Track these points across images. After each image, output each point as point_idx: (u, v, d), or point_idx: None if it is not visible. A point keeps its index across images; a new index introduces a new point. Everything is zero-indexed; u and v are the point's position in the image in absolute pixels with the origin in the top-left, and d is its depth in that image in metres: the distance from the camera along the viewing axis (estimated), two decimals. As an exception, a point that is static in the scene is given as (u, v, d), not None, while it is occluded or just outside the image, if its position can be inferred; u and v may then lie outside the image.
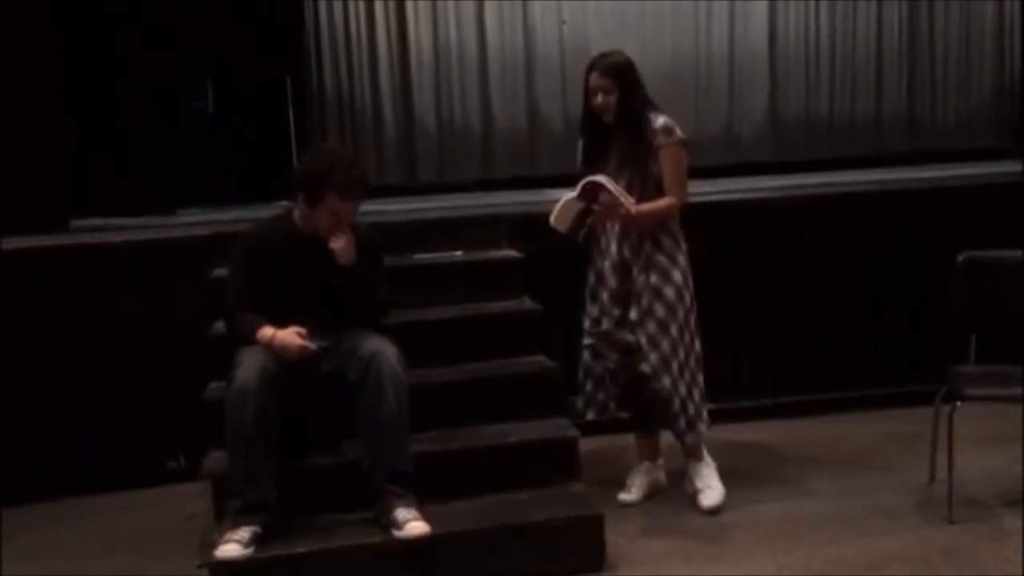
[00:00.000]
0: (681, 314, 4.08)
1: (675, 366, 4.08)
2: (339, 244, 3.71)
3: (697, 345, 4.17)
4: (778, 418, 5.33)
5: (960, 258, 4.30)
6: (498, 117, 7.25)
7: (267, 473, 3.58)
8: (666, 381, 4.07)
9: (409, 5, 7.07)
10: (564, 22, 7.25)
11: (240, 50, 6.45)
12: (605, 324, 4.18)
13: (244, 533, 3.50)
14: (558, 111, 7.25)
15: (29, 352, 4.72)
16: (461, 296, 4.55)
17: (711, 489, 4.19)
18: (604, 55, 4.13)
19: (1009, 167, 6.22)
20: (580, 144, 4.23)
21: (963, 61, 7.77)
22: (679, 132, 4.06)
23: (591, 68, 4.08)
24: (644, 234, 4.07)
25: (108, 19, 6.04)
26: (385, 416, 3.63)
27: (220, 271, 4.21)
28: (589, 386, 4.25)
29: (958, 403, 3.94)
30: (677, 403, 4.09)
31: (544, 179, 6.69)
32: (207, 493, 3.84)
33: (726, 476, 4.27)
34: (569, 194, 3.99)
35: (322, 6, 6.99)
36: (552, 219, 4.01)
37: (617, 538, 3.86)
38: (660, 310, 4.06)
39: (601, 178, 3.94)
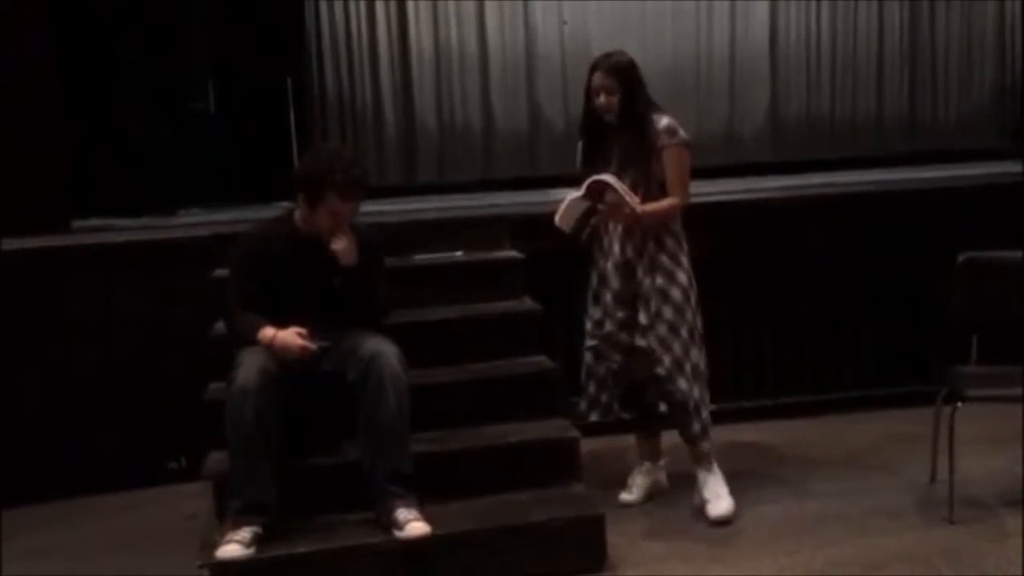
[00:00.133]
0: (689, 315, 4.07)
1: (688, 368, 4.06)
2: (340, 245, 3.71)
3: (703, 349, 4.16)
4: (779, 418, 5.33)
5: (961, 258, 4.30)
6: (499, 117, 7.25)
7: (268, 473, 3.58)
8: (681, 383, 4.05)
9: (410, 5, 7.07)
10: (565, 22, 7.25)
11: (241, 50, 6.45)
12: (608, 326, 4.16)
13: (245, 533, 3.50)
14: (559, 111, 7.24)
15: (30, 352, 4.72)
16: (462, 296, 4.54)
17: (720, 499, 4.11)
18: (607, 55, 4.11)
19: (1010, 167, 6.21)
20: (580, 144, 4.21)
21: (964, 61, 7.77)
22: (682, 133, 4.05)
23: (594, 68, 4.07)
24: (647, 235, 4.05)
25: (108, 19, 6.04)
26: (386, 416, 3.63)
27: (221, 271, 4.22)
28: (592, 388, 4.24)
29: (959, 403, 3.94)
30: (692, 405, 4.07)
31: (545, 179, 6.69)
32: (208, 493, 3.85)
33: (727, 477, 4.25)
34: (574, 193, 3.97)
35: (323, 6, 6.99)
36: (557, 219, 4.00)
37: (618, 539, 3.86)
38: (668, 312, 4.04)
39: (607, 177, 3.92)
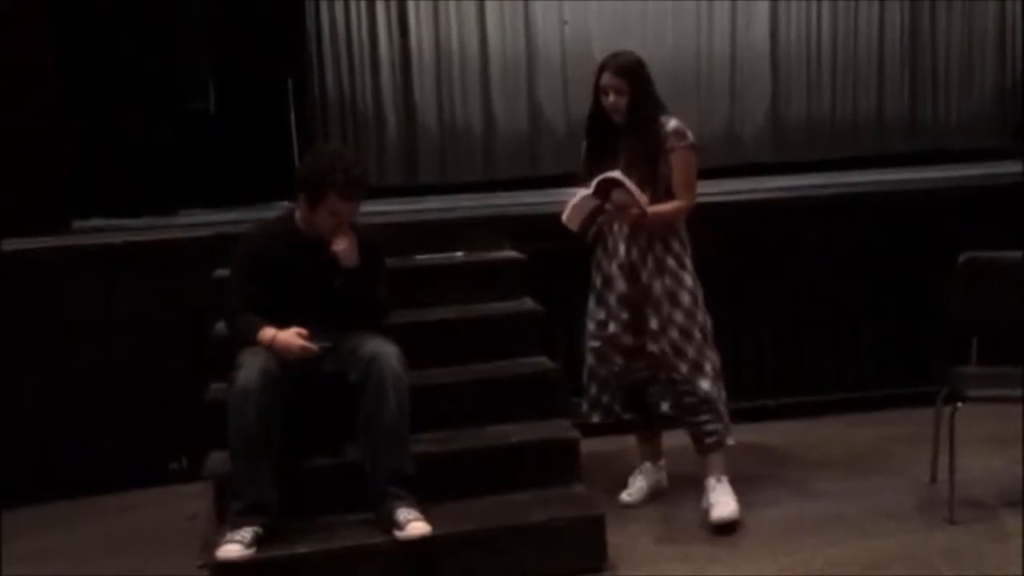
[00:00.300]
0: (700, 316, 4.05)
1: (708, 368, 4.04)
2: (341, 246, 3.71)
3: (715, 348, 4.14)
4: (779, 419, 5.34)
5: (961, 259, 4.30)
6: (499, 118, 7.26)
7: (268, 474, 3.58)
8: (703, 384, 4.02)
9: (410, 5, 7.08)
10: (565, 22, 7.26)
11: (241, 50, 6.46)
12: (612, 327, 4.13)
13: (245, 533, 3.50)
14: (559, 112, 7.25)
15: (31, 353, 4.72)
16: (462, 297, 4.54)
17: (725, 505, 4.05)
18: (616, 55, 4.08)
19: (1010, 168, 6.21)
20: (584, 144, 4.19)
21: (965, 61, 7.78)
22: (690, 136, 4.02)
23: (603, 68, 4.03)
24: (653, 237, 4.02)
25: (109, 19, 6.04)
26: (386, 417, 3.63)
27: (221, 272, 4.21)
28: (593, 389, 4.23)
29: (959, 404, 3.94)
30: (714, 404, 4.04)
31: (545, 179, 6.71)
32: (209, 494, 3.84)
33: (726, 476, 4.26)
34: (582, 192, 3.94)
35: (323, 6, 7.00)
36: (564, 217, 3.97)
37: (618, 539, 3.86)
38: (679, 317, 4.02)
39: (617, 174, 3.88)
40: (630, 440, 4.48)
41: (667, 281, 4.03)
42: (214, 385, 3.99)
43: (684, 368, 4.02)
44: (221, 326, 4.02)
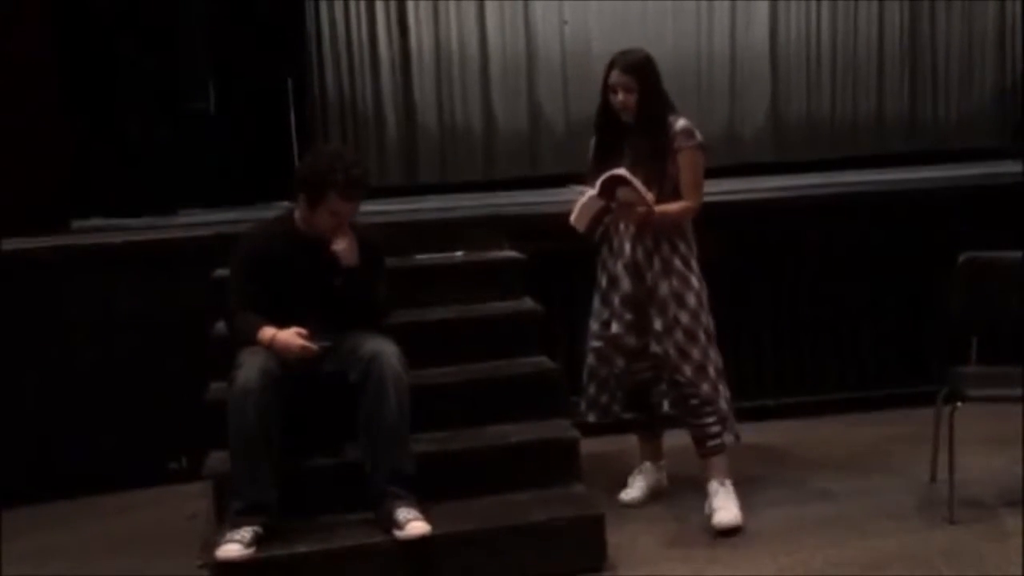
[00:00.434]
0: (704, 317, 4.03)
1: (711, 370, 4.02)
2: (341, 246, 3.71)
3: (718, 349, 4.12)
4: (779, 419, 5.33)
5: (961, 259, 4.29)
6: (499, 117, 7.26)
7: (268, 473, 3.58)
8: (705, 387, 4.01)
9: (410, 5, 7.08)
10: (565, 22, 7.26)
11: (241, 50, 6.46)
12: (615, 328, 4.10)
13: (245, 533, 3.50)
14: (559, 111, 7.26)
15: (30, 353, 4.72)
16: (462, 296, 4.54)
17: (727, 510, 4.03)
18: (626, 52, 4.04)
19: (1010, 167, 6.21)
20: (592, 142, 4.15)
21: (964, 61, 7.78)
22: (699, 136, 4.00)
23: (612, 65, 4.00)
24: (659, 237, 3.99)
25: (109, 19, 6.04)
26: (386, 417, 3.63)
27: (221, 272, 4.21)
28: (592, 389, 4.22)
29: (959, 404, 3.94)
30: (717, 406, 4.04)
31: (545, 179, 6.71)
32: (208, 494, 3.84)
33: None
34: (589, 192, 3.92)
35: (323, 6, 7.00)
36: (572, 218, 3.95)
37: (618, 539, 3.86)
38: (685, 318, 3.99)
39: (622, 171, 3.85)
40: (630, 440, 4.48)
41: (674, 282, 4.00)
42: (214, 385, 3.99)
43: (688, 370, 4.00)
44: (221, 326, 4.02)
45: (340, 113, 7.05)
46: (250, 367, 3.58)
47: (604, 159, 4.02)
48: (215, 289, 4.19)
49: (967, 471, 4.23)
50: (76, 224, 5.43)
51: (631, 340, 4.09)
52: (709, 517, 4.05)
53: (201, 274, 4.45)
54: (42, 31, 5.34)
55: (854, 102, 7.65)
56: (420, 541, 3.55)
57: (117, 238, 5.00)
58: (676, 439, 4.36)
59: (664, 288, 4.00)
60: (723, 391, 4.08)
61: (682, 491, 4.34)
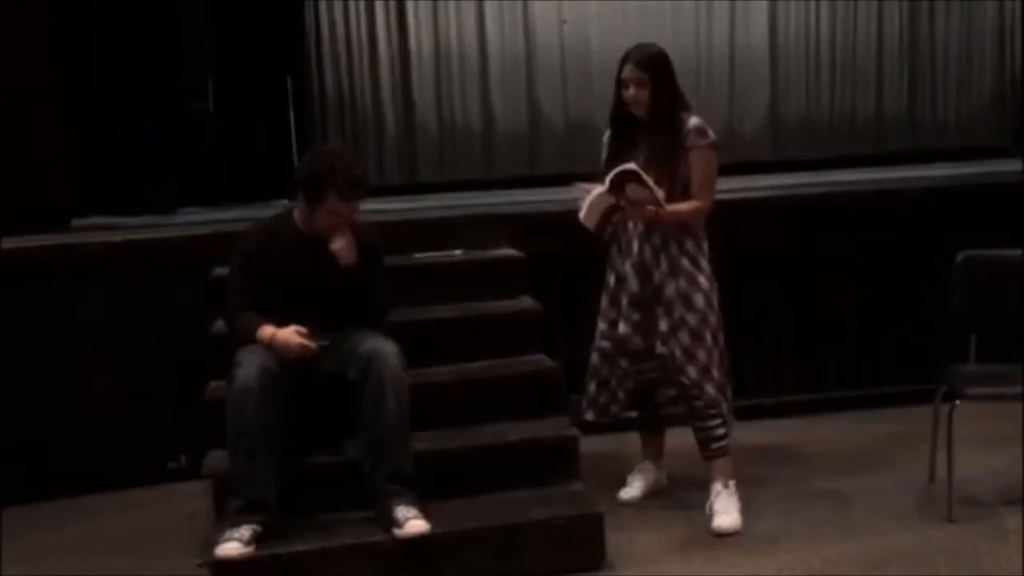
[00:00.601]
0: (712, 319, 3.98)
1: (716, 372, 4.00)
2: (339, 245, 3.71)
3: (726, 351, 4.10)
4: (778, 417, 5.33)
5: (960, 257, 4.30)
6: (498, 116, 7.25)
7: (268, 472, 3.58)
8: (710, 389, 3.99)
9: (409, 4, 7.07)
10: (565, 21, 7.26)
11: (241, 49, 6.46)
12: (623, 328, 4.06)
13: (245, 531, 3.50)
14: (559, 110, 7.26)
15: (30, 351, 4.71)
16: (461, 295, 4.54)
17: (727, 514, 4.02)
18: (639, 47, 4.01)
19: (1009, 166, 6.22)
20: (606, 136, 4.12)
21: (964, 60, 7.78)
22: (712, 135, 3.96)
23: (625, 59, 3.96)
24: (668, 236, 3.95)
25: (109, 18, 6.04)
26: (386, 415, 3.63)
27: (221, 270, 4.22)
28: (592, 388, 4.21)
29: (958, 402, 3.94)
30: (719, 409, 4.03)
31: (545, 178, 6.71)
32: (208, 492, 3.84)
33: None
34: (598, 189, 3.89)
35: (322, 5, 6.99)
36: (581, 215, 3.92)
37: (617, 537, 3.86)
38: (692, 319, 3.95)
39: (631, 166, 3.81)
40: (629, 439, 4.49)
41: (681, 282, 3.96)
42: (213, 383, 3.99)
43: (693, 372, 3.98)
44: (220, 324, 4.02)
45: (339, 112, 7.05)
46: (249, 366, 3.59)
47: (618, 155, 3.98)
48: (214, 288, 4.19)
49: (966, 470, 4.23)
50: (76, 223, 5.42)
51: (638, 340, 4.06)
52: (710, 518, 4.04)
53: (200, 273, 4.46)
54: (44, 30, 5.33)
55: (853, 101, 7.64)
56: (419, 539, 3.56)
57: (117, 237, 5.00)
58: (677, 438, 4.36)
59: (671, 288, 3.97)
60: (725, 395, 4.06)
61: (682, 490, 4.35)
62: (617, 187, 3.84)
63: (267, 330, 3.66)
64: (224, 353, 3.78)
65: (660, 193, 3.82)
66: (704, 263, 4.02)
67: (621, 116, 4.03)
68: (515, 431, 4.04)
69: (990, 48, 7.78)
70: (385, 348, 3.70)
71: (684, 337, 3.97)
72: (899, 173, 6.47)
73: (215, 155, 6.33)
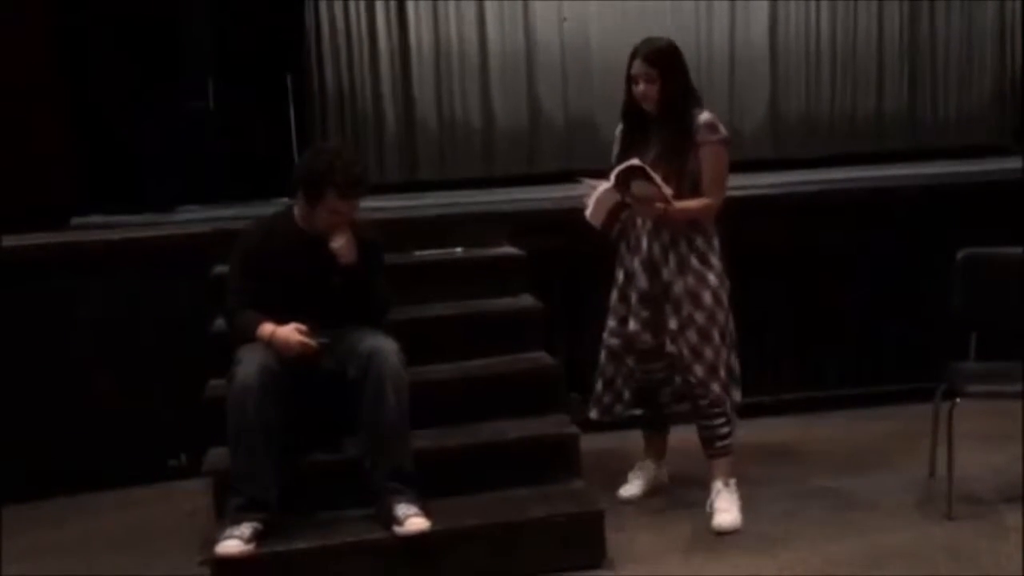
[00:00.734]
0: (720, 317, 3.96)
1: (722, 371, 3.99)
2: (340, 244, 3.71)
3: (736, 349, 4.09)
4: (778, 415, 5.33)
5: (960, 255, 4.30)
6: (499, 114, 7.24)
7: (268, 470, 3.59)
8: (715, 388, 3.98)
9: (409, 3, 7.06)
10: (565, 19, 7.25)
11: (240, 47, 6.45)
12: (632, 325, 4.04)
13: (245, 529, 3.50)
14: (559, 108, 7.25)
15: (29, 349, 4.71)
16: (461, 293, 4.54)
17: (728, 513, 4.02)
18: (648, 41, 3.96)
19: (1010, 164, 6.21)
20: (618, 131, 4.08)
21: (964, 58, 7.76)
22: (723, 130, 3.91)
23: (634, 55, 3.91)
24: (676, 233, 3.92)
25: (108, 16, 6.03)
26: (386, 413, 3.63)
27: (220, 268, 4.21)
28: (599, 386, 4.20)
29: (958, 400, 3.94)
30: (725, 408, 4.02)
31: (545, 176, 6.70)
32: (208, 490, 3.84)
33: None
34: (603, 185, 3.85)
35: (322, 4, 6.97)
36: (588, 213, 3.90)
37: (618, 535, 3.87)
38: (700, 318, 3.93)
39: (636, 162, 3.77)
40: (630, 436, 4.48)
41: (689, 280, 3.93)
42: (213, 381, 3.99)
43: (699, 370, 3.96)
44: (220, 322, 4.02)
45: (339, 110, 7.03)
46: (249, 363, 3.59)
47: (629, 149, 3.96)
48: (214, 286, 4.19)
49: (966, 467, 4.23)
50: (76, 221, 5.42)
51: (647, 338, 4.03)
52: (710, 516, 4.04)
53: (200, 271, 4.46)
54: (44, 28, 5.33)
55: (854, 99, 7.63)
56: (420, 537, 3.56)
57: (116, 235, 5.00)
58: (677, 436, 4.36)
59: (679, 286, 3.94)
60: (732, 394, 4.05)
61: (682, 488, 4.35)
62: (623, 184, 3.81)
63: (267, 328, 3.66)
64: (224, 351, 3.78)
65: (667, 190, 3.78)
66: (714, 260, 3.98)
67: (632, 111, 3.99)
68: (515, 429, 4.04)
69: (991, 46, 7.76)
70: (385, 346, 3.70)
71: (692, 335, 3.95)
72: (899, 171, 6.46)
73: (215, 153, 6.32)
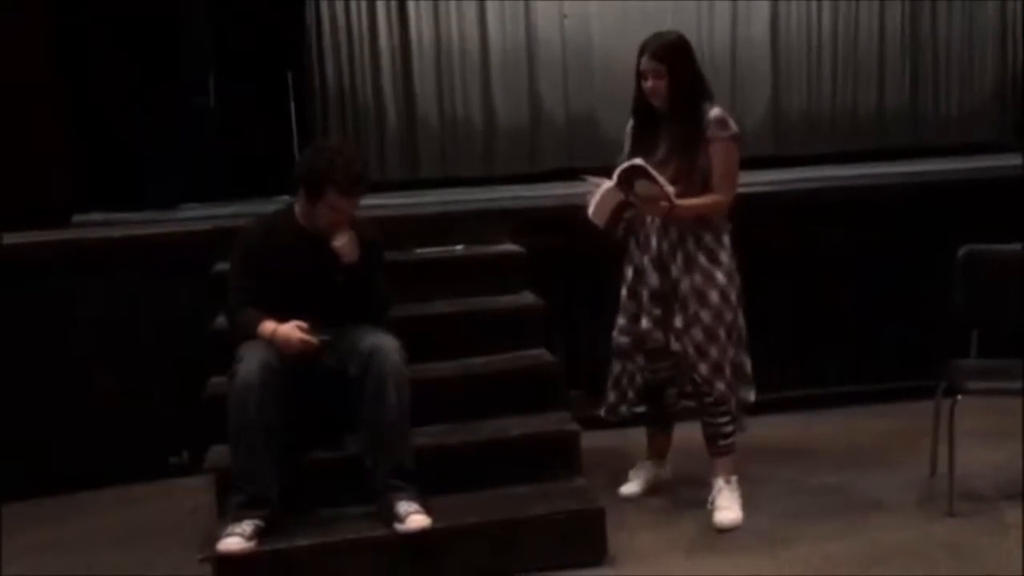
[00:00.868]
0: (728, 316, 3.93)
1: (728, 370, 3.97)
2: (341, 242, 3.71)
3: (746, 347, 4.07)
4: (779, 413, 5.32)
5: (961, 252, 4.29)
6: (500, 112, 7.24)
7: (269, 467, 3.59)
8: (720, 386, 3.96)
9: (410, 0, 7.07)
10: (566, 16, 7.24)
11: (241, 45, 6.45)
12: (644, 323, 4.01)
13: (246, 526, 3.51)
14: (560, 105, 7.25)
15: (30, 347, 4.72)
16: (462, 290, 4.54)
17: (729, 510, 4.01)
18: (656, 36, 3.92)
19: (1011, 161, 6.20)
20: (628, 127, 4.05)
21: (965, 55, 7.76)
22: (733, 126, 3.88)
23: (642, 50, 3.87)
24: (685, 231, 3.90)
25: (110, 13, 6.03)
26: (387, 411, 3.63)
27: (221, 266, 4.22)
28: (608, 384, 4.20)
29: (958, 397, 3.94)
30: (730, 406, 4.01)
31: (546, 174, 6.70)
32: (209, 488, 3.85)
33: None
34: (606, 184, 3.83)
35: (323, 0, 6.98)
36: (590, 212, 3.87)
37: (619, 532, 3.87)
38: (706, 316, 3.90)
39: (639, 161, 3.75)
40: (631, 434, 4.48)
41: (696, 278, 3.91)
42: (214, 379, 3.99)
43: (704, 369, 3.95)
44: (221, 320, 4.03)
45: (340, 107, 7.04)
46: (250, 361, 3.59)
47: (639, 146, 3.93)
48: (215, 283, 4.20)
49: (967, 464, 4.22)
50: (77, 218, 5.42)
51: (659, 335, 4.00)
52: (711, 514, 4.04)
53: (201, 269, 4.46)
54: (44, 26, 5.33)
55: (855, 96, 7.63)
56: (420, 534, 3.56)
57: (117, 232, 5.00)
58: (677, 434, 4.36)
59: (686, 284, 3.92)
60: (738, 393, 4.04)
61: (683, 486, 4.34)
62: (626, 183, 3.78)
63: (268, 326, 3.66)
64: (225, 349, 3.78)
65: (670, 189, 3.75)
66: (724, 258, 3.95)
67: (643, 106, 3.96)
68: (516, 426, 4.04)
69: (992, 43, 7.76)
70: (386, 344, 3.70)
71: (697, 334, 3.93)
72: (900, 168, 6.46)
73: (215, 151, 6.33)
